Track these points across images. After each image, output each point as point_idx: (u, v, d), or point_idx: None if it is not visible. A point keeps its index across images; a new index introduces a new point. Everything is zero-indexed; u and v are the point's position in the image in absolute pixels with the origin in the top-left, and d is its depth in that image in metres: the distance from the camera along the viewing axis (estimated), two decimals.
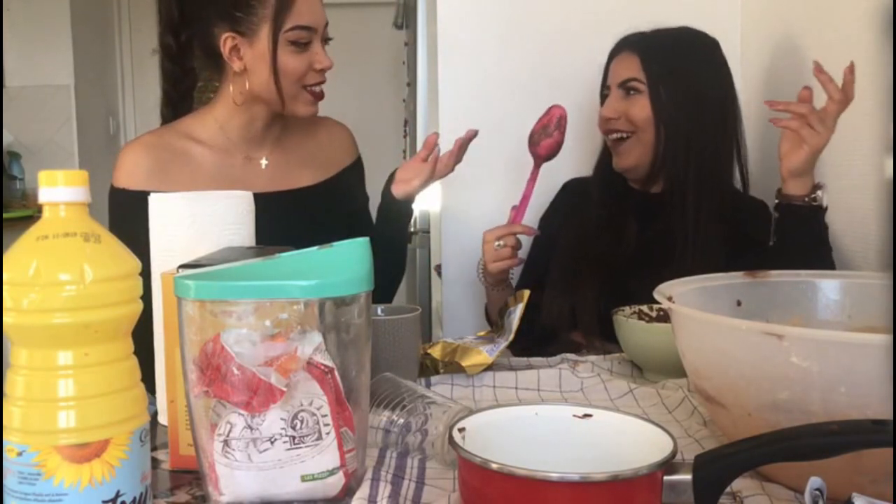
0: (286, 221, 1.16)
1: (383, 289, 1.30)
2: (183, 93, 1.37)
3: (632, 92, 1.41)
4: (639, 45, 1.43)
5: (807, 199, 1.26)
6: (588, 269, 1.41)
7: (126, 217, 1.17)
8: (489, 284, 1.46)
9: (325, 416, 0.68)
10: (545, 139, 1.38)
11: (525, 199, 1.38)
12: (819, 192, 1.26)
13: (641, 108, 1.40)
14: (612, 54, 1.46)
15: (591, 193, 1.52)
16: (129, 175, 1.28)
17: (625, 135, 1.42)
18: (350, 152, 1.48)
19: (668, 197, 1.42)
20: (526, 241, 1.48)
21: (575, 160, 1.63)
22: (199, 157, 1.31)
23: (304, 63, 1.26)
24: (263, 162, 1.36)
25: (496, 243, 1.37)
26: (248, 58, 1.26)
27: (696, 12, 1.64)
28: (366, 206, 1.51)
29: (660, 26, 1.44)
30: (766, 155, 1.57)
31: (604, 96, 1.47)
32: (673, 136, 1.39)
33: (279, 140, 1.38)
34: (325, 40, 1.30)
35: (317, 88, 1.29)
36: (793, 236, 1.27)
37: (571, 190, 1.59)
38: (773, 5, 1.60)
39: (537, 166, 1.39)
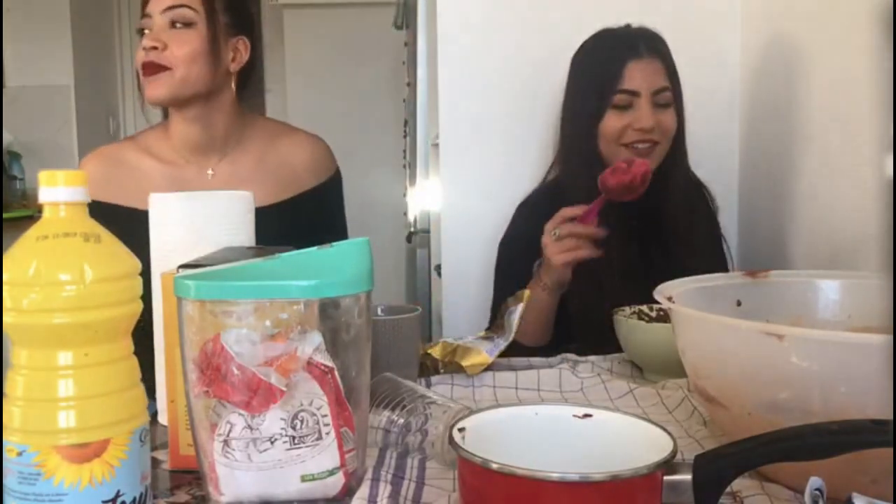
0: None
1: None
2: None
3: (662, 102, 1.35)
4: (657, 49, 1.37)
5: None
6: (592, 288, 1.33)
7: None
8: (547, 288, 1.30)
9: (325, 416, 0.68)
10: (628, 195, 1.25)
11: (587, 213, 1.26)
12: None
13: (671, 119, 1.36)
14: (629, 57, 1.35)
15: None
16: None
17: (650, 145, 1.35)
18: (316, 173, 1.43)
19: (654, 203, 1.37)
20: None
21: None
22: (147, 170, 1.36)
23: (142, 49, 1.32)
24: (209, 173, 1.37)
25: (553, 231, 1.25)
26: None
27: (696, 8, 1.65)
28: (332, 228, 1.46)
29: (660, 26, 1.43)
30: (752, 147, 1.57)
31: (617, 104, 1.34)
32: (679, 146, 1.40)
33: (230, 151, 1.38)
34: (188, 24, 1.30)
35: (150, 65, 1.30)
36: None
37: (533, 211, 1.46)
38: (773, 4, 1.60)
39: (602, 201, 1.26)
